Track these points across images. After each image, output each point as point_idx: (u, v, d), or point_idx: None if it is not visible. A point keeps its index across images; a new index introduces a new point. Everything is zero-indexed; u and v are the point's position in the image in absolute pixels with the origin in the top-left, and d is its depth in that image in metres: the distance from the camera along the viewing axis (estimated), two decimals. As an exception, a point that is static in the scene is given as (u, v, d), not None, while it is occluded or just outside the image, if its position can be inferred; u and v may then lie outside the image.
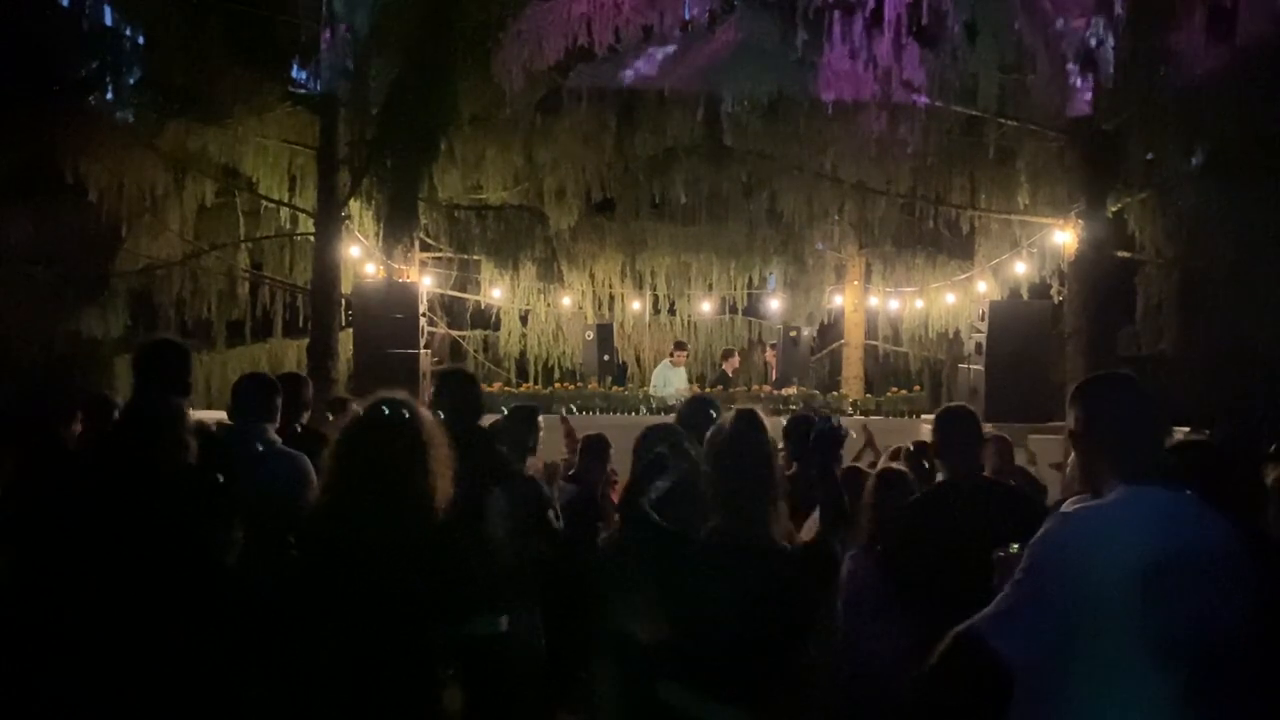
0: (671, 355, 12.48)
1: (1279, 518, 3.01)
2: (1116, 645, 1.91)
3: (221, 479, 3.17)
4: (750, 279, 15.56)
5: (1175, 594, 1.89)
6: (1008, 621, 2.02)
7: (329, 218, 10.87)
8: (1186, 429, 8.40)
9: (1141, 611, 1.89)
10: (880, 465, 5.14)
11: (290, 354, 13.45)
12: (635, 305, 15.33)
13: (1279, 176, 8.94)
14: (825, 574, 2.85)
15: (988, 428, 9.21)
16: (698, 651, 2.69)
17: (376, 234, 10.57)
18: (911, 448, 4.90)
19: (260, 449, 4.01)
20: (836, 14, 9.86)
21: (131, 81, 12.50)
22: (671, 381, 11.79)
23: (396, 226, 9.51)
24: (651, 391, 11.61)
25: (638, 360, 15.92)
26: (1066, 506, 2.09)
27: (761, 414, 2.94)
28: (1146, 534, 1.94)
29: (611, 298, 15.25)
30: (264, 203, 12.35)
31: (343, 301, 11.67)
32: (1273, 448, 4.12)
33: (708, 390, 11.71)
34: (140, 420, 3.22)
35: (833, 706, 3.44)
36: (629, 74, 10.91)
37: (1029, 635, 1.98)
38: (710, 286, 15.51)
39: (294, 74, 12.50)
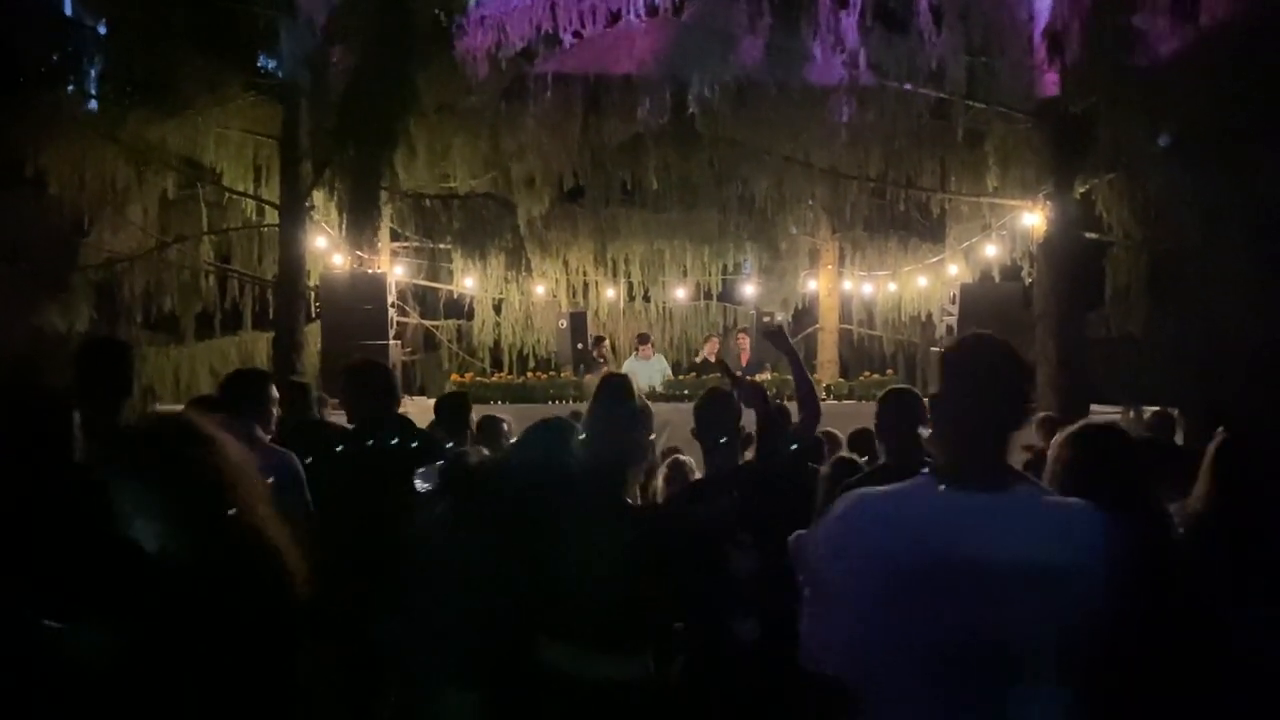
0: (637, 350, 12.21)
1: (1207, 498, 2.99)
2: (890, 650, 1.77)
3: None
4: (724, 265, 15.55)
5: (935, 600, 1.73)
6: (812, 634, 1.89)
7: (293, 208, 10.76)
8: (1155, 408, 8.47)
9: (907, 614, 1.75)
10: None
11: (260, 347, 13.33)
12: (609, 293, 15.28)
13: (1245, 157, 8.94)
14: (660, 538, 2.93)
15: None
16: (572, 607, 2.78)
17: (341, 224, 10.48)
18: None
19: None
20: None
21: (93, 73, 12.30)
22: (641, 375, 11.54)
23: (359, 216, 9.42)
24: None
25: (613, 348, 15.87)
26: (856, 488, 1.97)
27: (634, 384, 3.12)
28: (919, 535, 1.77)
29: (585, 285, 15.21)
30: (230, 195, 12.22)
31: (310, 293, 11.56)
32: (1220, 430, 4.11)
33: (682, 377, 11.70)
34: None
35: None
36: (595, 59, 10.80)
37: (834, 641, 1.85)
38: (684, 273, 15.48)
39: (260, 64, 12.33)
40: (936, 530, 1.77)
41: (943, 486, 1.82)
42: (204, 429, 2.19)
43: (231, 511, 2.09)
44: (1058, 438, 2.53)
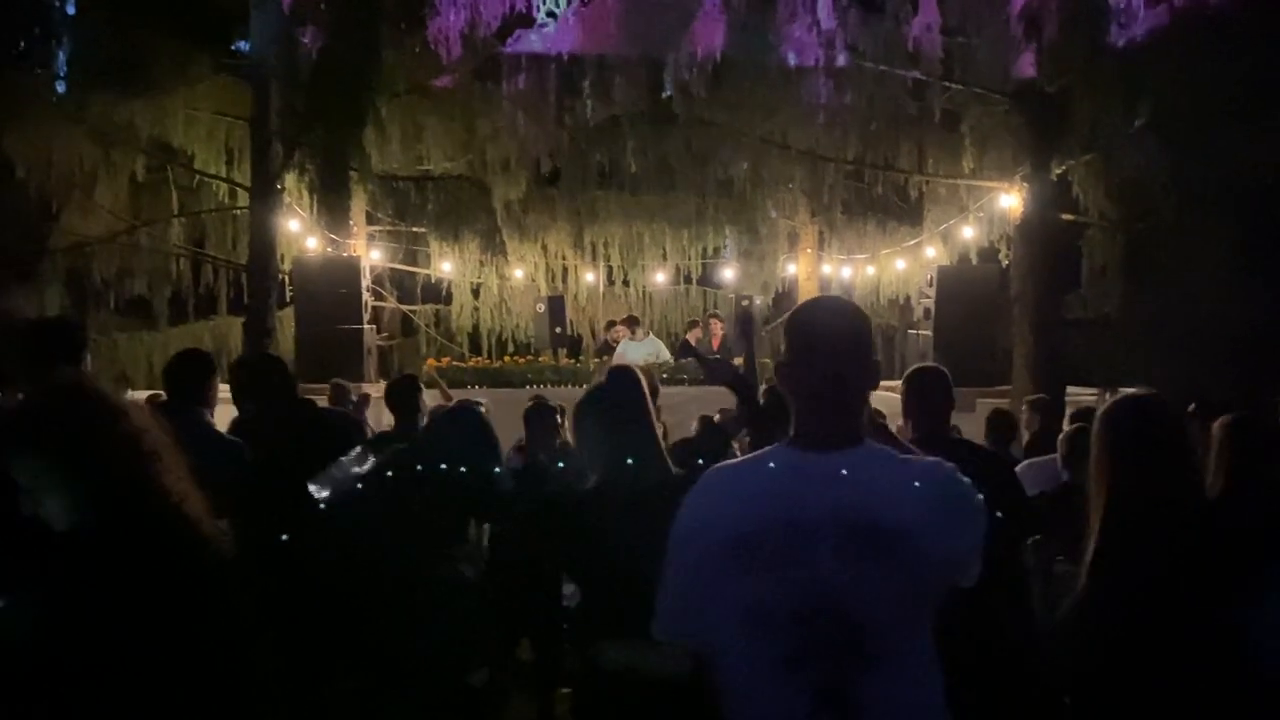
0: (632, 333, 12.02)
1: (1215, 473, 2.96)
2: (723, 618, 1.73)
3: None
4: (704, 248, 15.46)
5: (784, 565, 1.68)
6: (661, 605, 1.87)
7: (264, 191, 10.62)
8: (1131, 390, 8.48)
9: (757, 583, 1.70)
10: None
11: (235, 331, 13.19)
12: (589, 277, 15.18)
13: (1221, 138, 8.94)
14: None
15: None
16: (628, 601, 2.68)
17: (313, 207, 10.36)
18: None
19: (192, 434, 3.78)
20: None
21: (61, 54, 12.11)
22: (634, 360, 11.37)
23: (330, 199, 9.30)
24: None
25: (592, 332, 15.79)
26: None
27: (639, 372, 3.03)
28: (765, 499, 1.74)
29: (564, 270, 15.11)
30: (201, 177, 12.06)
31: (285, 277, 11.44)
32: (1191, 407, 4.12)
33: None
34: None
35: None
36: (570, 39, 10.69)
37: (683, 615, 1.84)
38: (664, 256, 15.38)
39: (232, 45, 12.16)
40: (783, 494, 1.73)
41: (794, 451, 1.79)
42: (110, 398, 2.07)
43: (145, 482, 1.98)
44: (1097, 415, 2.48)
